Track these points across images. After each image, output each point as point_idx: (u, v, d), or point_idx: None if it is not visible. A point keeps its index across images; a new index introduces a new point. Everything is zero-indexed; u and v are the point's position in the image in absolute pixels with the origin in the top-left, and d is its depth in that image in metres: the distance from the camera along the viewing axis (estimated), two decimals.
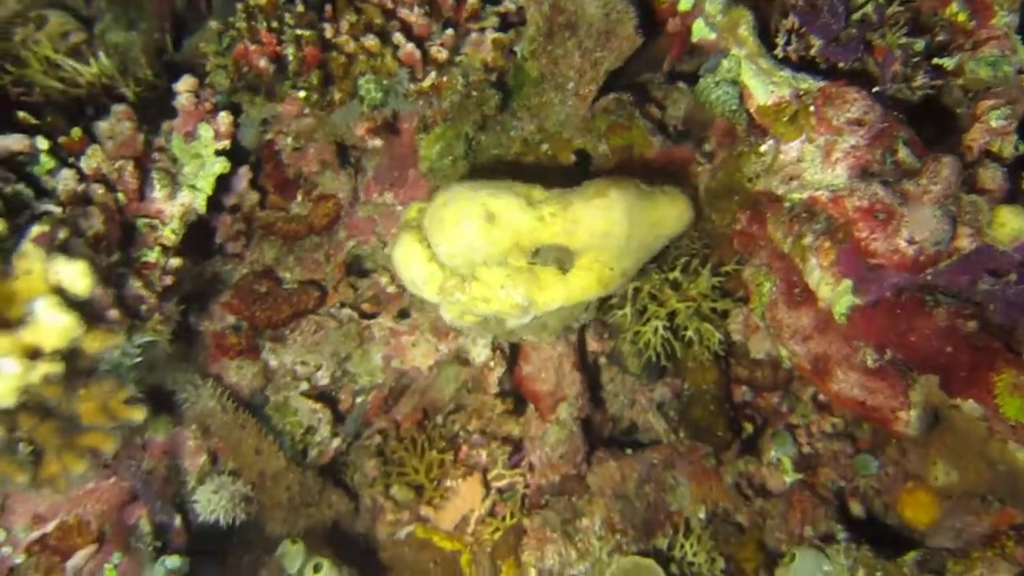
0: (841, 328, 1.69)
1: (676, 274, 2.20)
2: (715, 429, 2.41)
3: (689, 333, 2.18)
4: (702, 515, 2.44)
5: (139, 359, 1.55)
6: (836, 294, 1.47)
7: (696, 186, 2.13)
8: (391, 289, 2.30)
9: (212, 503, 1.98)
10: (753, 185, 1.65)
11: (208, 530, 2.04)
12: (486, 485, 2.46)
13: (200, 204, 1.84)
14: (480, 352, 2.05)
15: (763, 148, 1.68)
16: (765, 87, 1.56)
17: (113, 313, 1.41)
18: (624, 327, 2.36)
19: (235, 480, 2.03)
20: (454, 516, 2.46)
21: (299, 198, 2.25)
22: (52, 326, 1.23)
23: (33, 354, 1.22)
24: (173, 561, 1.77)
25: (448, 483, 2.51)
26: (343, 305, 2.34)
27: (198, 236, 2.02)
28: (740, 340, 2.09)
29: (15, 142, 1.64)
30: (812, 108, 1.48)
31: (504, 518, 2.43)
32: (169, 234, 1.76)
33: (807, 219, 1.62)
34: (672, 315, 2.24)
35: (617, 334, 2.50)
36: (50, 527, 1.76)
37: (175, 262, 1.77)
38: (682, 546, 2.34)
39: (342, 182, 2.24)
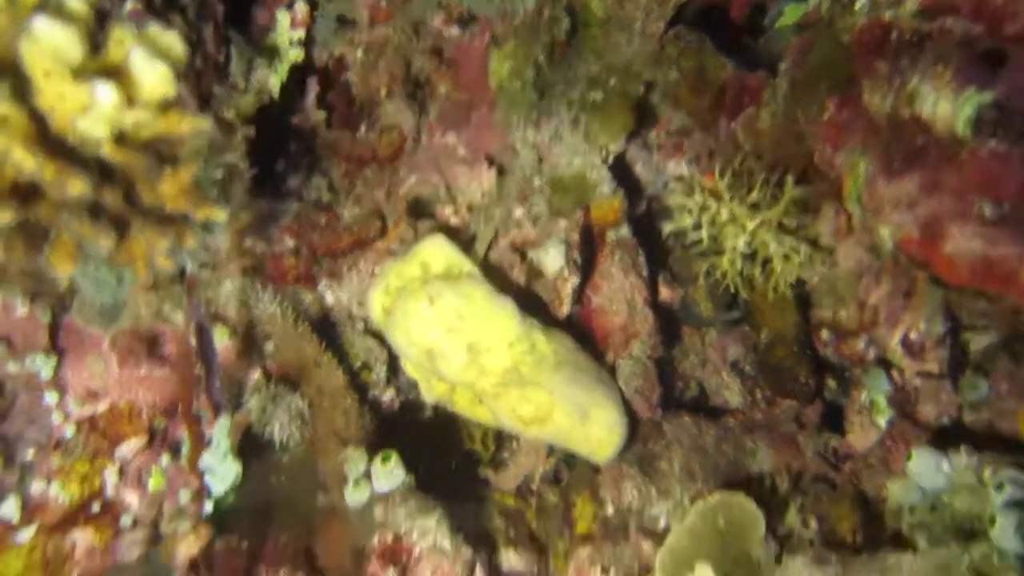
0: (952, 184, 1.59)
1: (754, 195, 2.11)
2: (797, 374, 2.26)
3: (772, 249, 2.06)
4: (786, 480, 2.25)
5: (220, 177, 1.45)
6: (958, 104, 1.39)
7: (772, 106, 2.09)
8: (454, 221, 2.21)
9: (268, 413, 1.82)
10: (852, 29, 1.60)
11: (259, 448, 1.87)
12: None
13: (273, 84, 1.80)
14: (553, 261, 1.93)
15: (858, 6, 1.64)
16: None
17: (198, 112, 1.33)
18: (696, 266, 2.25)
19: (292, 392, 1.87)
20: (516, 476, 2.28)
21: (362, 129, 2.21)
22: (147, 73, 1.15)
23: (128, 100, 1.14)
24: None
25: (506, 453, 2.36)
26: (403, 242, 2.25)
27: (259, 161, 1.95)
28: (828, 245, 1.97)
29: None
30: None
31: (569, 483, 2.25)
32: (244, 104, 1.71)
33: (910, 64, 1.56)
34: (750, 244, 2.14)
35: (687, 282, 2.40)
36: (101, 407, 1.62)
37: (249, 130, 1.70)
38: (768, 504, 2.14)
39: (407, 116, 2.21)
